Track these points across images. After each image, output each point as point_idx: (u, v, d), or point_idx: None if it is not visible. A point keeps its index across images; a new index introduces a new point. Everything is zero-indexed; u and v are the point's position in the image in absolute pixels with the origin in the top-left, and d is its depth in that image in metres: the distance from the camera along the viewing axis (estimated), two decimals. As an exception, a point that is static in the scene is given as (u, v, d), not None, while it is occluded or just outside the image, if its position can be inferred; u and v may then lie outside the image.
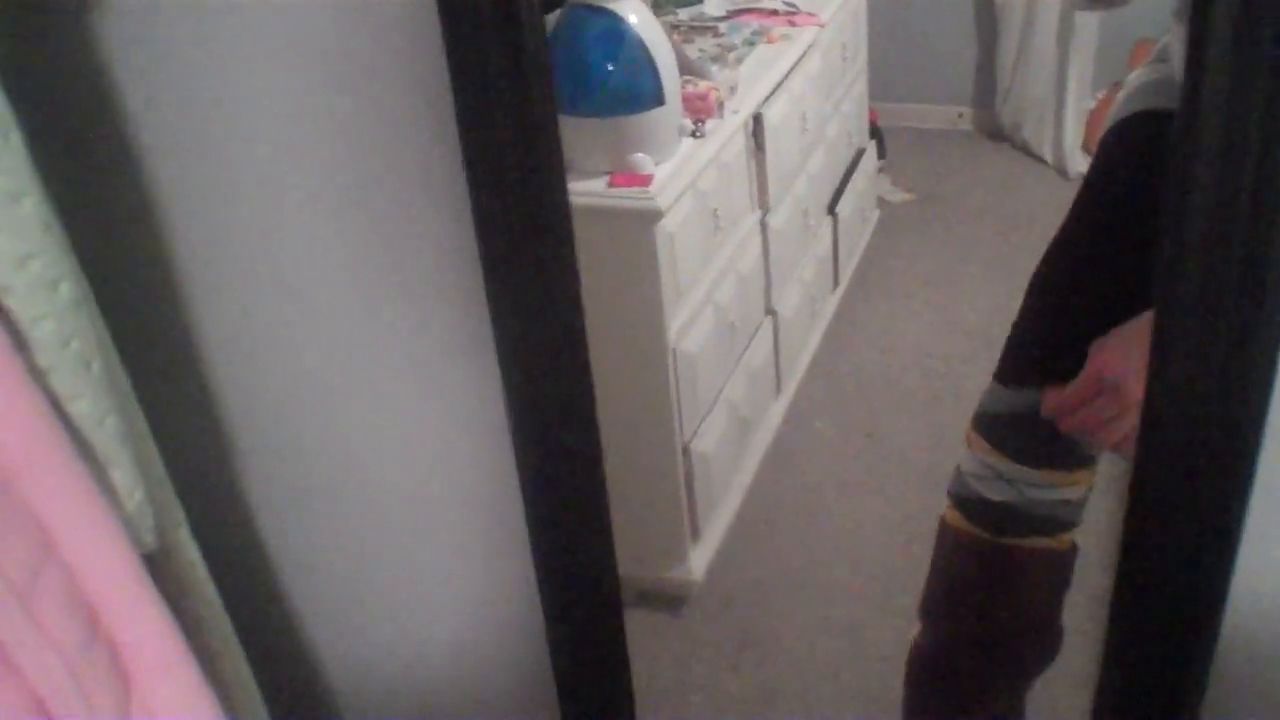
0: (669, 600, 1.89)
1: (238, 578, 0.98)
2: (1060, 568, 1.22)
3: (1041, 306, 1.17)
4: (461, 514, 1.07)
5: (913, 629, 1.37)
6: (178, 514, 0.82)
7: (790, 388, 2.32)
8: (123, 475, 0.72)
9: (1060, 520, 1.18)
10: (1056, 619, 1.26)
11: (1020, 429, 1.14)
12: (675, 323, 1.75)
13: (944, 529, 1.25)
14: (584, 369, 0.96)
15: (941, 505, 1.26)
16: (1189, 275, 0.79)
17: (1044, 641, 1.27)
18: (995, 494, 1.17)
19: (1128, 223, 1.16)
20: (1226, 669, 0.96)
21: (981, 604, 1.26)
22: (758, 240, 2.08)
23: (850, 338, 2.58)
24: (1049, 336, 1.17)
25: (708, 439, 1.89)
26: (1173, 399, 0.84)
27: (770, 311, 2.20)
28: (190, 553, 0.84)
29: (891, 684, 1.40)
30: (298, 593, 1.13)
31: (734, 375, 2.00)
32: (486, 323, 0.90)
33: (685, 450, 1.84)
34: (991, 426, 1.18)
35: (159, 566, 0.80)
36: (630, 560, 1.11)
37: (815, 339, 2.48)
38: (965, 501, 1.21)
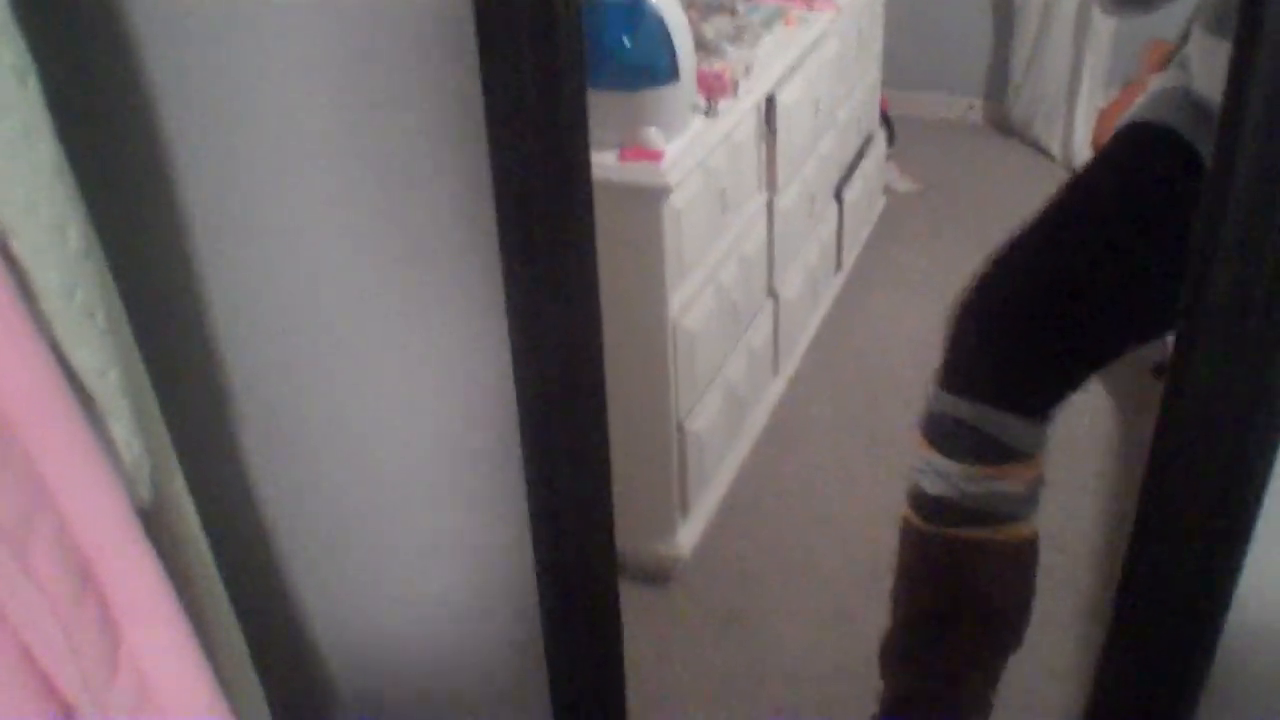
0: (655, 575, 1.89)
1: (230, 533, 0.98)
2: (1007, 559, 1.26)
3: (979, 312, 1.21)
4: (459, 472, 1.07)
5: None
6: (174, 468, 0.82)
7: (788, 370, 2.32)
8: (122, 427, 0.72)
9: (997, 514, 1.22)
10: (1015, 609, 1.30)
11: (949, 427, 1.20)
12: (677, 299, 1.75)
13: (902, 522, 1.30)
14: (595, 324, 0.96)
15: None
16: (1217, 286, 0.79)
17: (998, 630, 1.32)
18: (933, 488, 1.22)
19: (1103, 238, 1.18)
20: (1227, 669, 0.97)
21: (930, 592, 1.31)
22: (763, 221, 2.07)
23: (850, 324, 2.58)
24: (982, 346, 1.21)
25: (703, 417, 1.89)
26: (1192, 404, 0.84)
27: (772, 293, 2.20)
28: (184, 506, 0.84)
29: (874, 665, 1.41)
30: (289, 549, 1.13)
31: (733, 355, 2.00)
32: (497, 277, 0.89)
33: (680, 427, 1.84)
34: (929, 425, 1.23)
35: (152, 519, 0.80)
36: (618, 533, 1.11)
37: (815, 323, 2.48)
38: (912, 495, 1.26)
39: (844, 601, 1.82)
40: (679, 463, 1.86)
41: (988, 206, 2.96)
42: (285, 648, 1.18)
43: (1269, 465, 0.85)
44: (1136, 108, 1.24)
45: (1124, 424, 2.34)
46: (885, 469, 2.07)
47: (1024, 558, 1.27)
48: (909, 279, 2.70)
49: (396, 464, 1.06)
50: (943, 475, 1.21)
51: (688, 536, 1.92)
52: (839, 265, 2.64)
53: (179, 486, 0.83)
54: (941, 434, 1.21)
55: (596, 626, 1.21)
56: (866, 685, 1.46)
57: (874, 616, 1.43)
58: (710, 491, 2.00)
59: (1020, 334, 1.19)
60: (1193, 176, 1.07)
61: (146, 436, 0.76)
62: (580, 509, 1.09)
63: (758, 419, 2.18)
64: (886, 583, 1.38)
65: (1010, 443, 1.19)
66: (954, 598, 1.29)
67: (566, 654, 1.20)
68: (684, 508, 1.92)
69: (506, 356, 0.94)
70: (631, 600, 1.87)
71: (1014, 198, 2.93)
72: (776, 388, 2.28)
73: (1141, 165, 1.19)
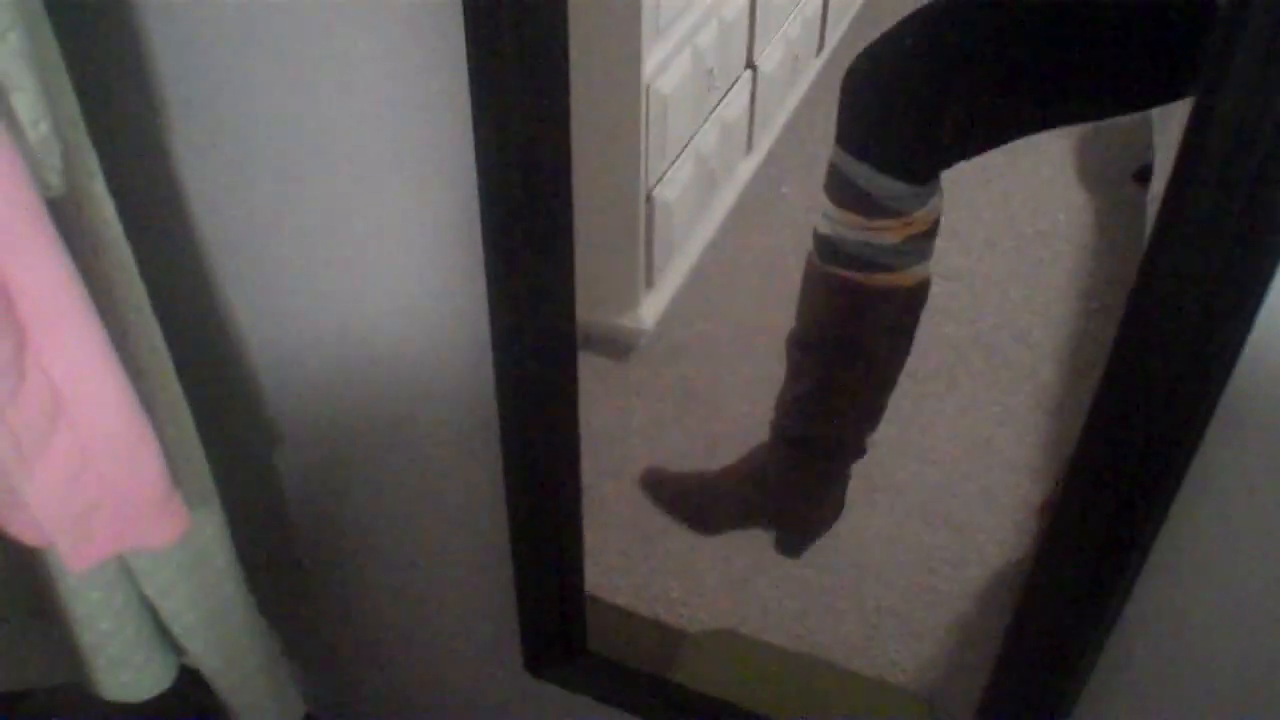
0: (617, 346, 1.85)
1: (156, 239, 0.92)
2: (877, 302, 1.42)
3: (864, 70, 1.31)
4: (413, 191, 1.01)
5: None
6: (91, 161, 0.75)
7: (762, 148, 2.24)
8: (26, 101, 0.65)
9: (870, 261, 1.36)
10: (885, 348, 1.47)
11: (833, 175, 1.32)
12: (651, 60, 1.67)
13: (806, 258, 1.46)
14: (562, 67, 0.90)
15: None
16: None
17: (868, 365, 1.49)
18: (822, 229, 1.38)
19: (1003, 24, 1.20)
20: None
21: (812, 320, 1.49)
22: (746, -13, 1.97)
23: (829, 107, 2.48)
24: (859, 104, 1.32)
25: (673, 187, 1.83)
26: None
27: (751, 65, 2.10)
28: (104, 208, 0.77)
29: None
30: (219, 250, 1.06)
31: (707, 125, 1.93)
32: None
33: (648, 196, 1.78)
34: (826, 173, 1.34)
35: (69, 221, 0.73)
36: (580, 303, 1.07)
37: (793, 102, 2.39)
38: (813, 235, 1.41)
39: (805, 382, 1.78)
40: (646, 233, 1.81)
41: (979, -6, 2.83)
42: (215, 366, 1.12)
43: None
44: None
45: (1100, 225, 2.29)
46: (854, 252, 2.01)
47: (894, 303, 1.41)
48: (893, 64, 2.60)
49: (342, 168, 0.99)
50: (829, 219, 1.35)
51: (651, 309, 1.88)
52: (821, 44, 2.53)
53: (98, 183, 0.76)
54: (829, 181, 1.33)
55: (553, 395, 1.18)
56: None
57: (833, 394, 1.41)
58: (676, 265, 1.96)
59: (893, 96, 1.30)
60: None
61: (58, 119, 0.68)
62: (540, 261, 1.03)
63: (728, 195, 2.12)
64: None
65: (880, 199, 1.30)
66: (830, 328, 1.47)
67: (520, 418, 1.16)
68: (649, 280, 1.87)
69: (466, 100, 0.88)
70: (592, 372, 1.85)
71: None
72: (749, 165, 2.21)
73: None
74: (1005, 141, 1.28)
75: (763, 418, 1.75)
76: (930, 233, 1.36)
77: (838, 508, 1.59)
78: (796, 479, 1.62)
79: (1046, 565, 1.12)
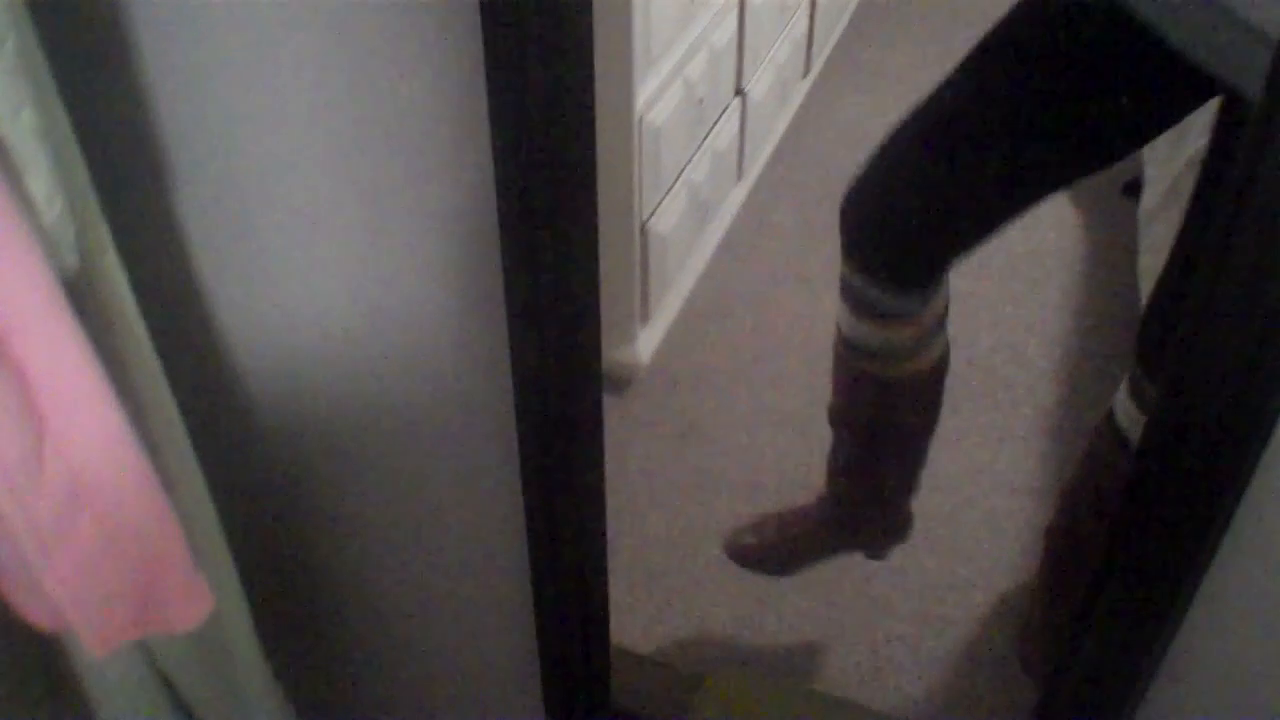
0: (614, 381, 1.84)
1: (166, 309, 0.89)
2: (902, 388, 1.47)
3: (853, 201, 1.34)
4: (433, 243, 0.98)
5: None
6: (103, 233, 0.73)
7: (753, 174, 2.23)
8: (40, 181, 0.62)
9: (889, 354, 1.42)
10: (914, 425, 1.51)
11: (844, 283, 1.37)
12: (643, 92, 1.66)
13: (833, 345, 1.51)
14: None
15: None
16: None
17: (904, 439, 1.53)
18: (841, 325, 1.42)
19: (976, 146, 1.24)
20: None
21: (847, 408, 1.52)
22: (734, 15, 1.97)
23: (818, 129, 2.47)
24: (855, 232, 1.35)
25: (666, 219, 1.82)
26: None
27: (740, 91, 2.10)
28: (117, 281, 0.75)
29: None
30: (232, 324, 1.02)
31: (698, 155, 1.92)
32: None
33: (643, 228, 1.76)
34: (840, 276, 1.38)
35: (81, 295, 0.71)
36: None
37: (782, 126, 2.39)
38: (836, 325, 1.44)
39: (802, 411, 1.78)
40: (641, 266, 1.80)
41: (965, 11, 2.84)
42: (232, 438, 1.10)
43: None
44: None
45: (1091, 241, 2.30)
46: (850, 279, 2.01)
47: (919, 385, 1.47)
48: (879, 85, 2.60)
49: (355, 217, 0.95)
50: (846, 317, 1.40)
51: (648, 343, 1.86)
52: (808, 67, 2.53)
53: (110, 257, 0.73)
54: (844, 292, 1.38)
55: (577, 433, 1.15)
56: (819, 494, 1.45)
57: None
58: (671, 297, 1.95)
59: (883, 228, 1.34)
60: (1109, 45, 1.10)
61: (71, 195, 0.66)
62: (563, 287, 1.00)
63: (720, 224, 2.11)
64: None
65: (886, 308, 1.35)
66: (862, 410, 1.51)
67: (543, 459, 1.14)
68: (645, 314, 1.86)
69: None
70: (588, 407, 1.82)
71: (993, 2, 2.82)
72: (740, 192, 2.20)
73: (1046, 41, 1.20)
74: (1008, 223, 1.28)
75: (762, 448, 1.74)
76: (943, 317, 1.41)
77: (908, 522, 1.62)
78: (859, 521, 1.65)
79: (1101, 596, 1.09)
